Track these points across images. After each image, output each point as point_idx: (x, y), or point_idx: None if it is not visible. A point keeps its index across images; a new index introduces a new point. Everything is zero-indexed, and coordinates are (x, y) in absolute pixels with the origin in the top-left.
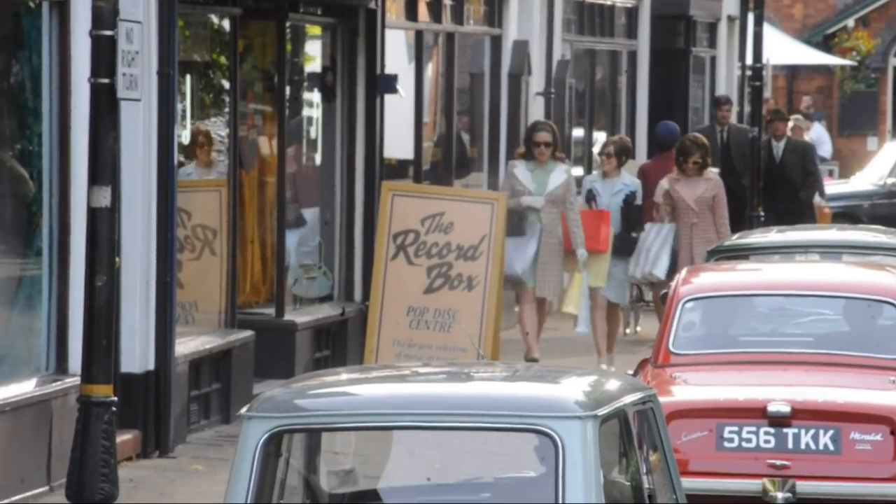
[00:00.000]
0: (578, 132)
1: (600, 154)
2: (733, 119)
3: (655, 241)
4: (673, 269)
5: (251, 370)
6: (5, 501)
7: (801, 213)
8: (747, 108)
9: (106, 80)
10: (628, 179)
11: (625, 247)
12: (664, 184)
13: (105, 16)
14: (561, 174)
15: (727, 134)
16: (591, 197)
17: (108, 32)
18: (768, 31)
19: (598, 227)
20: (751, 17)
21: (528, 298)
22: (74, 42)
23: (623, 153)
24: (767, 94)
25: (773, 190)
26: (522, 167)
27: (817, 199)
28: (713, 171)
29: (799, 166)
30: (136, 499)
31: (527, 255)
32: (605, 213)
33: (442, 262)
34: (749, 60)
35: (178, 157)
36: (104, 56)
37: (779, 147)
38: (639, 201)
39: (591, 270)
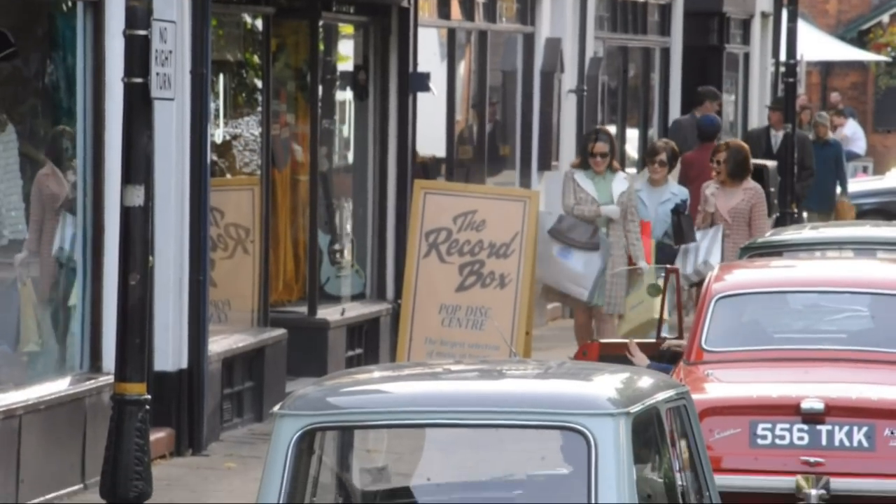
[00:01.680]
0: (611, 129)
1: (649, 160)
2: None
3: (703, 239)
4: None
5: (284, 368)
6: (40, 499)
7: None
8: None
9: (140, 80)
10: (676, 188)
11: (667, 258)
12: (706, 191)
13: (139, 15)
14: (622, 182)
15: (783, 139)
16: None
17: (142, 32)
18: (802, 27)
19: (646, 238)
20: (784, 13)
21: (587, 318)
22: (108, 42)
23: (673, 159)
24: (801, 90)
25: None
26: (582, 175)
27: (839, 194)
28: (753, 182)
29: (796, 159)
30: (170, 497)
31: (594, 272)
32: (645, 225)
33: (474, 260)
34: (783, 57)
35: (210, 156)
36: (138, 56)
37: (777, 137)
38: (688, 211)
39: (631, 285)
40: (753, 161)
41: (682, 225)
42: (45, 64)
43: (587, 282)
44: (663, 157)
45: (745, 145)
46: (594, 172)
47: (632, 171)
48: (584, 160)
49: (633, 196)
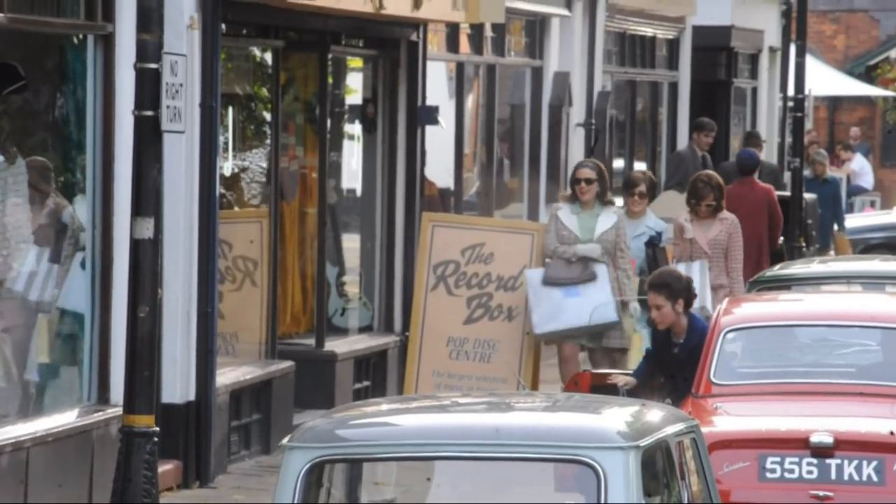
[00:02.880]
0: (619, 163)
1: (627, 192)
2: (773, 152)
3: (692, 274)
4: None
5: (291, 401)
6: None
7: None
8: (789, 139)
9: (150, 113)
10: (653, 221)
11: (644, 293)
12: (682, 221)
13: (150, 49)
14: (610, 217)
15: (759, 172)
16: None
17: (153, 65)
18: (810, 62)
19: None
20: (793, 49)
21: (573, 353)
22: (119, 75)
23: (651, 189)
24: (809, 125)
25: None
26: (567, 210)
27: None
28: (728, 213)
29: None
30: None
31: (596, 301)
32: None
33: (482, 293)
34: (791, 91)
35: (219, 188)
36: (148, 89)
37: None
38: (664, 244)
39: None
40: (788, 195)
41: (657, 258)
42: (55, 97)
43: (587, 312)
44: (642, 188)
45: (719, 177)
46: (581, 205)
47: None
48: (574, 192)
49: (622, 232)
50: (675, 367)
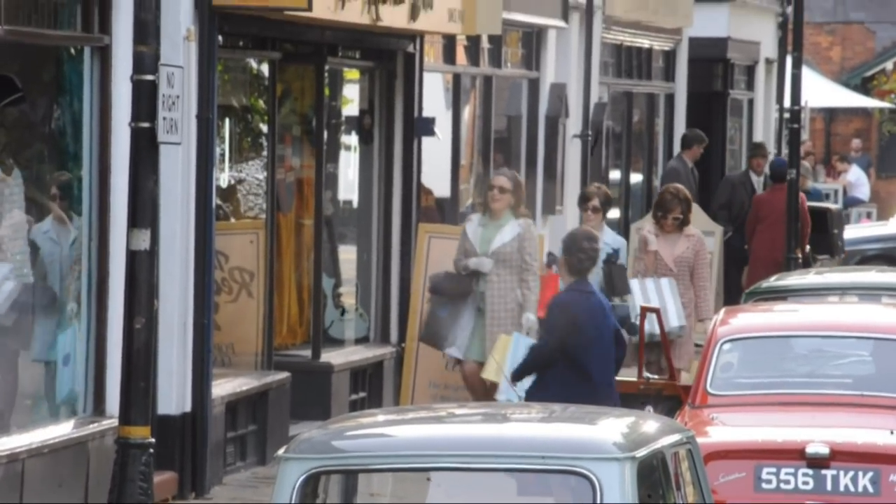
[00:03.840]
0: (615, 174)
1: (582, 206)
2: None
3: (661, 296)
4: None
5: (287, 412)
6: None
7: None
8: (785, 151)
9: (147, 124)
10: (610, 237)
11: None
12: (645, 233)
13: (146, 61)
14: (513, 229)
15: (764, 184)
16: (553, 261)
17: (150, 77)
18: (806, 73)
19: (545, 292)
20: (789, 60)
21: (472, 373)
22: (115, 87)
23: (607, 204)
24: (805, 136)
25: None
26: (475, 223)
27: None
28: (694, 228)
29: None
30: None
31: (463, 327)
32: (553, 277)
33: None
34: (787, 103)
35: (215, 200)
36: (145, 100)
37: (758, 182)
38: (622, 261)
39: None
40: (816, 204)
41: (614, 276)
42: (51, 108)
43: (454, 333)
44: (596, 202)
45: (686, 191)
46: (490, 216)
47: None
48: (484, 203)
49: (528, 244)
50: None
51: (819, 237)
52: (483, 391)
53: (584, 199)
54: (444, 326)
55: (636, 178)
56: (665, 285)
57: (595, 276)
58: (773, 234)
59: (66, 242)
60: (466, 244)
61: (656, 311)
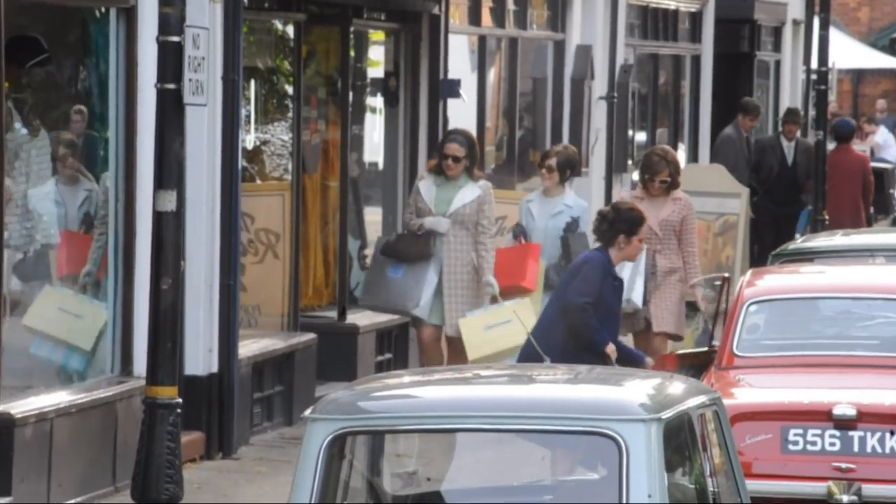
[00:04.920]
0: (641, 137)
1: (540, 166)
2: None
3: (623, 267)
4: (645, 299)
5: (314, 373)
6: (72, 501)
7: (798, 217)
8: (812, 113)
9: (172, 86)
10: (571, 200)
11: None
12: (622, 197)
13: (172, 22)
14: (472, 191)
15: (795, 149)
16: (519, 232)
17: (175, 38)
18: (834, 34)
19: (523, 261)
20: (816, 21)
21: (430, 339)
22: (141, 48)
23: (568, 166)
24: (832, 97)
25: (778, 191)
26: (429, 182)
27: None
28: (682, 192)
29: (808, 169)
30: (200, 500)
31: (425, 289)
32: (532, 247)
33: None
34: (814, 64)
35: (241, 161)
36: (171, 62)
37: (790, 147)
38: (583, 228)
39: (519, 315)
40: (875, 165)
41: (571, 245)
42: (77, 70)
43: (416, 294)
44: (552, 162)
45: (675, 153)
46: (445, 178)
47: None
48: (439, 163)
49: (485, 207)
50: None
51: (876, 197)
52: (439, 359)
53: (542, 158)
54: (405, 288)
55: (662, 140)
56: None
57: (554, 242)
58: (838, 194)
59: (72, 204)
60: (419, 203)
61: (727, 279)
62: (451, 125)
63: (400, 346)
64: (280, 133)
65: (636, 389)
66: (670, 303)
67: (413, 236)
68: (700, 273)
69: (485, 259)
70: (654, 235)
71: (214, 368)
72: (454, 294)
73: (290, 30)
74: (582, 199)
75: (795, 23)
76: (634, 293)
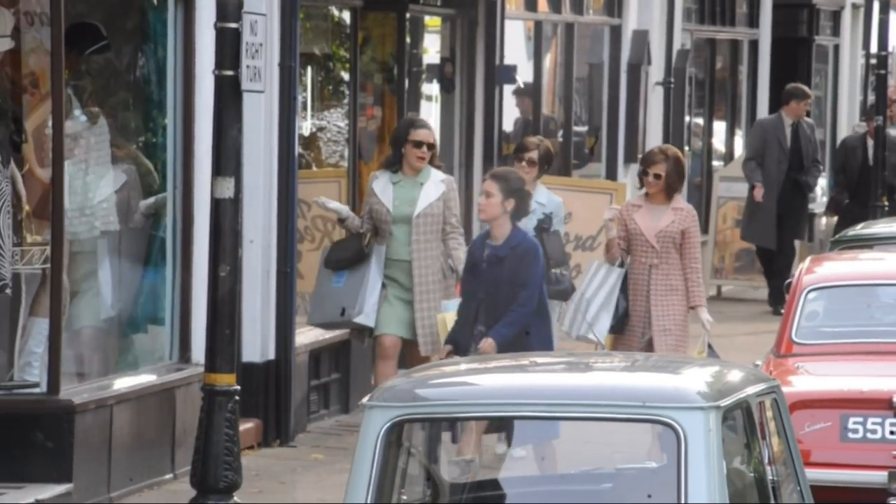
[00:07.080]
0: (698, 122)
1: (517, 159)
2: (855, 110)
3: (600, 290)
4: (622, 323)
5: (370, 361)
6: (131, 487)
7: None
8: (871, 98)
9: (230, 72)
10: (544, 197)
11: None
12: (607, 215)
13: (230, 8)
14: (437, 186)
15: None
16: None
17: (233, 25)
18: (894, 18)
19: None
20: (876, 4)
21: (392, 348)
22: (199, 35)
23: (546, 161)
24: (892, 82)
25: (863, 194)
26: (384, 179)
27: None
28: (684, 202)
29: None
30: (258, 487)
31: (368, 293)
32: None
33: None
34: (874, 49)
35: (298, 148)
36: (228, 48)
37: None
38: (556, 227)
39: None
40: None
41: (546, 245)
42: (136, 57)
43: (355, 300)
44: (532, 155)
45: (682, 157)
46: (407, 172)
47: (719, 164)
48: (396, 155)
49: (452, 203)
50: (485, 280)
51: None
52: (392, 374)
53: (519, 150)
54: (346, 295)
55: (719, 126)
56: (610, 279)
57: None
58: None
59: (130, 191)
60: (375, 204)
61: None
62: (507, 111)
63: None
64: (336, 120)
65: (695, 377)
66: (671, 323)
67: (347, 239)
68: (704, 294)
69: (455, 259)
70: (650, 248)
71: (272, 356)
72: (427, 310)
73: (347, 16)
74: (556, 196)
75: (855, 6)
76: (597, 327)
